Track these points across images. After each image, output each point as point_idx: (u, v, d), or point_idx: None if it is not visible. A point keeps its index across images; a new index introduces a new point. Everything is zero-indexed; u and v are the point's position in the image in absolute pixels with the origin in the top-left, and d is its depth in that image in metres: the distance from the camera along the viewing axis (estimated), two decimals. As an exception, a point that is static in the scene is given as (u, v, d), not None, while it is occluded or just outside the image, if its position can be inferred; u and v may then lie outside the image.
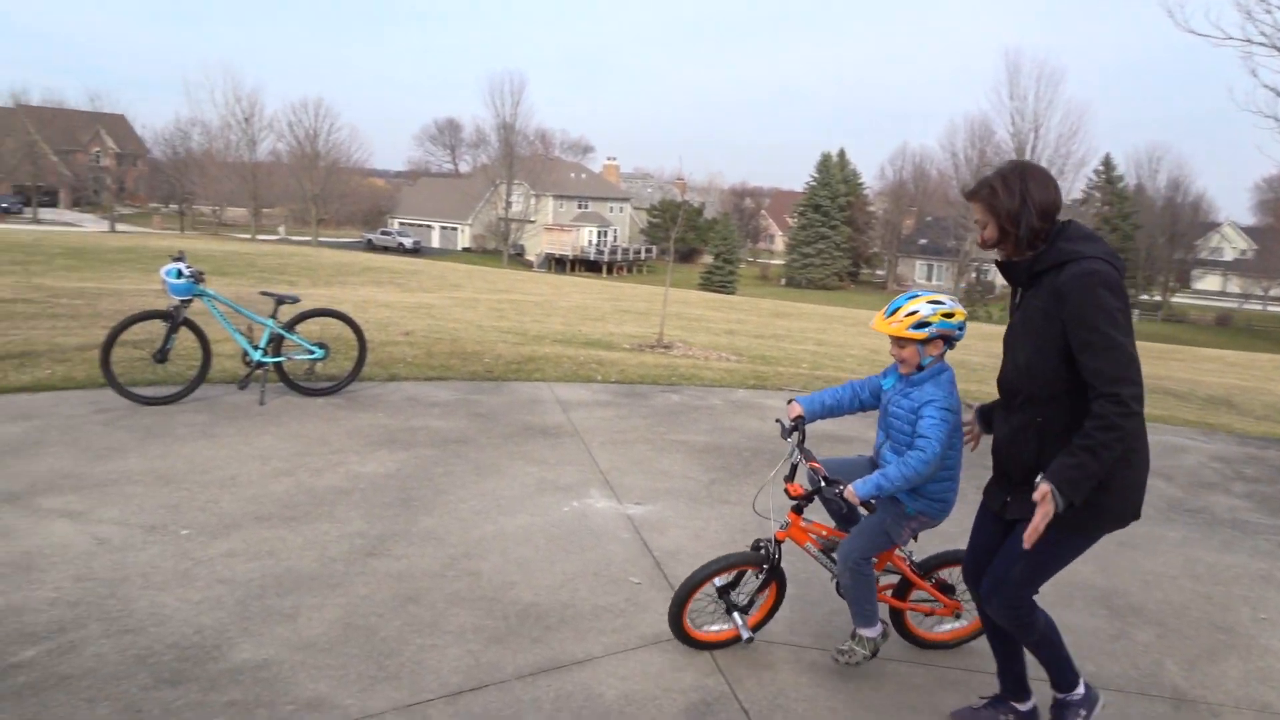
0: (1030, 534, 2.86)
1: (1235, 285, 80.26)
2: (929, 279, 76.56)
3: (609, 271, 71.43)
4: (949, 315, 3.35)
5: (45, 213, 70.43)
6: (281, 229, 77.10)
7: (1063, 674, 3.30)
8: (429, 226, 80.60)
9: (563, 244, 74.96)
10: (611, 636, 3.92)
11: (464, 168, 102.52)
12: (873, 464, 3.67)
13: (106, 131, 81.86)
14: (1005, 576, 3.11)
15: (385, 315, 15.49)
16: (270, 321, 7.34)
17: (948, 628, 4.04)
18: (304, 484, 5.44)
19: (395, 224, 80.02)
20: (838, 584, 3.70)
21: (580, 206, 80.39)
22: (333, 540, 4.66)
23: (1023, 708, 3.42)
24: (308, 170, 71.77)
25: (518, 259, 72.79)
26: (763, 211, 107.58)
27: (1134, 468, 2.94)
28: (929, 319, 3.32)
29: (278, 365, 7.40)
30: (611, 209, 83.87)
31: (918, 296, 3.38)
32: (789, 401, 3.68)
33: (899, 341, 3.38)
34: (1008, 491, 3.18)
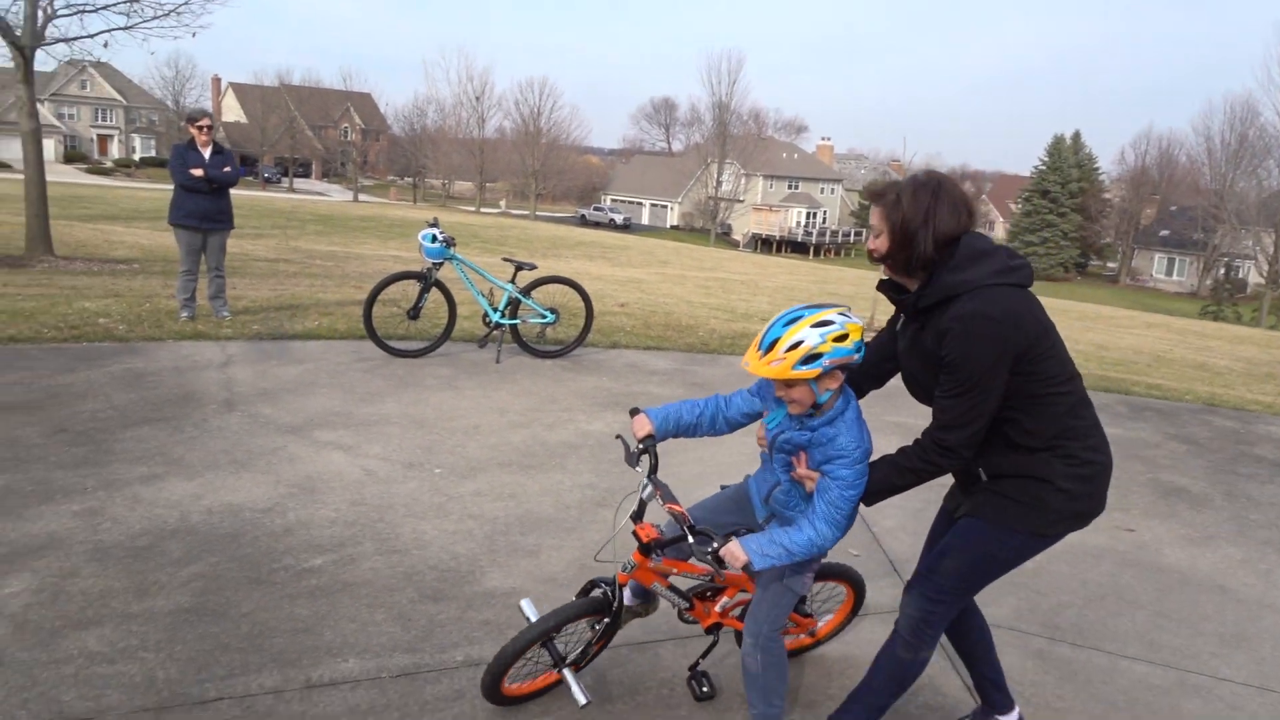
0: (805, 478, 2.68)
1: None
2: (1169, 274, 70.24)
3: (816, 254, 70.41)
4: (841, 338, 2.56)
5: (299, 183, 77.60)
6: (503, 203, 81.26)
7: (860, 713, 2.90)
8: (639, 204, 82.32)
9: (770, 224, 74.55)
10: (834, 604, 4.01)
11: (677, 146, 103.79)
12: (735, 501, 3.00)
13: (355, 109, 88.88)
14: (943, 562, 2.74)
15: (599, 287, 16.10)
16: (510, 286, 7.86)
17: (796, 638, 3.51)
18: (538, 437, 5.85)
19: (607, 200, 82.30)
20: (679, 613, 3.13)
21: (790, 187, 79.54)
22: (566, 489, 5.00)
23: (1007, 719, 3.10)
24: (530, 147, 75.09)
25: (724, 238, 73.09)
26: (984, 196, 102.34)
27: (1090, 465, 2.60)
28: (818, 350, 2.53)
29: (513, 327, 7.93)
30: (822, 190, 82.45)
31: (799, 320, 2.57)
32: (633, 413, 2.85)
33: (784, 380, 2.60)
34: (961, 493, 2.84)
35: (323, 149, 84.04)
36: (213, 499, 4.44)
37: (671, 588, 2.99)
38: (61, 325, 7.59)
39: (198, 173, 8.00)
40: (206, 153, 8.13)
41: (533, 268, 8.02)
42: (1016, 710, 3.15)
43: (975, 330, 2.42)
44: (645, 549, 2.78)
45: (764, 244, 72.59)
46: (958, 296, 2.47)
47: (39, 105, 13.20)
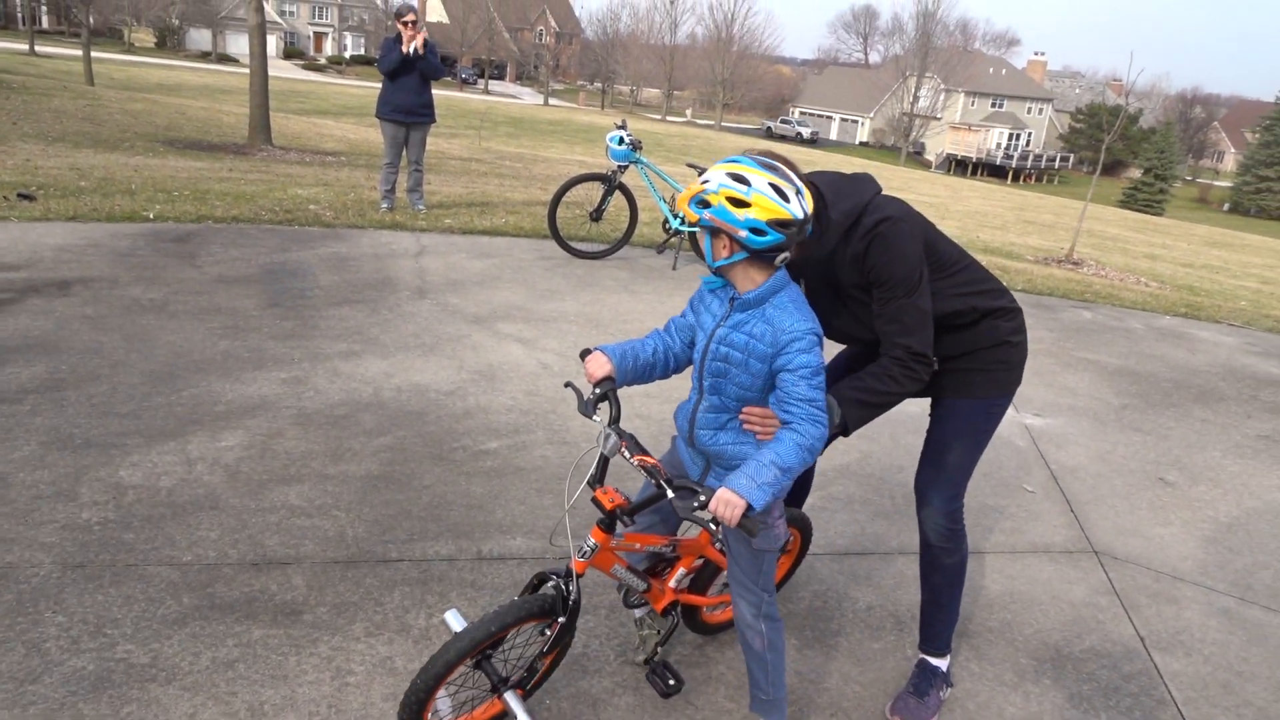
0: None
1: None
2: None
3: (1015, 179, 66.09)
4: (740, 205, 2.03)
5: (494, 85, 79.43)
6: (689, 111, 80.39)
7: (947, 629, 2.85)
8: (829, 118, 79.51)
9: (967, 145, 70.37)
10: (1000, 537, 3.88)
11: (874, 58, 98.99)
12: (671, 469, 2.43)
13: (550, 11, 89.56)
14: (946, 460, 2.70)
15: (783, 201, 15.77)
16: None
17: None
18: (710, 345, 5.87)
19: (796, 113, 79.95)
20: (626, 594, 2.64)
21: (994, 105, 74.50)
22: (734, 398, 5.02)
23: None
24: (720, 54, 73.58)
25: (915, 157, 69.70)
26: (1215, 124, 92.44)
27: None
28: (707, 197, 2.07)
29: (692, 235, 7.90)
30: (1029, 110, 76.80)
31: (736, 162, 2.11)
32: (584, 354, 2.32)
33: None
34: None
35: (518, 51, 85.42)
36: (402, 378, 4.74)
37: (631, 569, 2.46)
38: (277, 209, 8.19)
39: (409, 45, 8.24)
40: (411, 48, 8.43)
41: (716, 176, 7.93)
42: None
43: (889, 234, 2.42)
44: (609, 520, 2.23)
45: (959, 165, 68.72)
46: (855, 223, 2.46)
47: (264, 2, 14.02)
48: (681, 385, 2.86)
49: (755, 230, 2.04)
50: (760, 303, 2.16)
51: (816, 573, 3.42)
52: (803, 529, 3.07)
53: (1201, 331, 8.24)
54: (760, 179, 2.05)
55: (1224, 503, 4.48)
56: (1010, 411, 5.35)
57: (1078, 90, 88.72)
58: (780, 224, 2.04)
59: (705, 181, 2.09)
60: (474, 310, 6.00)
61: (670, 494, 2.09)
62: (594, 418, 2.23)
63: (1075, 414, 5.48)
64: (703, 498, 2.00)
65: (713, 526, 2.06)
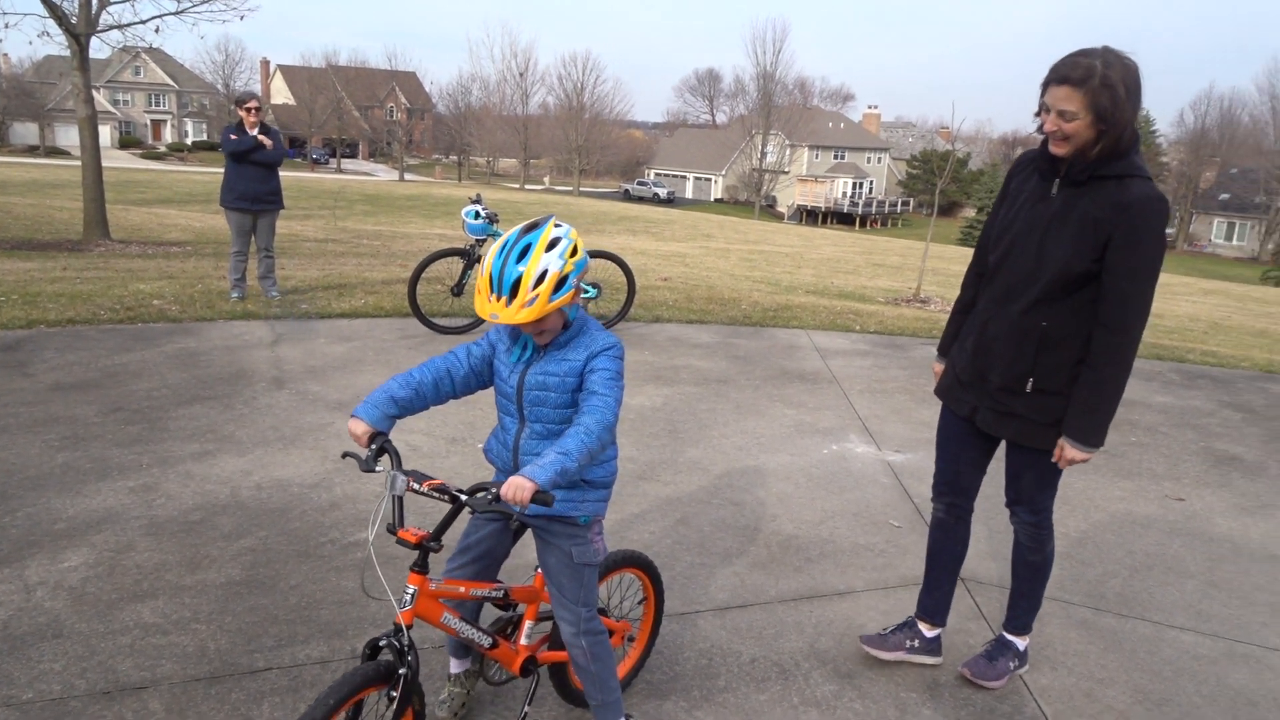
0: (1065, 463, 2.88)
1: None
2: (1228, 239, 68.04)
3: (863, 224, 69.46)
4: (574, 251, 2.32)
5: (347, 163, 78.41)
6: (546, 179, 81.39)
7: (1028, 614, 3.25)
8: (683, 177, 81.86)
9: (815, 195, 73.68)
10: (872, 573, 4.00)
11: (721, 119, 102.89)
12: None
13: (400, 88, 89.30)
14: (1018, 489, 3.07)
15: (642, 262, 16.10)
16: (549, 262, 7.89)
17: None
18: (580, 411, 5.89)
19: (651, 174, 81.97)
20: (482, 666, 2.79)
21: (836, 157, 78.45)
22: (607, 463, 5.04)
23: (930, 634, 3.31)
24: (573, 122, 74.96)
25: (769, 210, 72.42)
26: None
27: None
28: (564, 271, 2.27)
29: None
30: (869, 159, 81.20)
31: (530, 249, 2.28)
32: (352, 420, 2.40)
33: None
34: (980, 396, 3.02)
35: (369, 129, 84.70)
36: (262, 475, 4.55)
37: (465, 619, 2.48)
38: (118, 307, 7.80)
39: (253, 139, 8.09)
40: (254, 134, 8.26)
41: (573, 243, 8.03)
42: (941, 630, 3.35)
43: (1159, 212, 2.64)
44: (421, 558, 2.29)
45: (809, 215, 71.79)
46: (1135, 176, 2.66)
47: (94, 92, 13.49)
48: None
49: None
50: (573, 336, 2.41)
51: (700, 630, 3.44)
52: (651, 574, 2.99)
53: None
54: (549, 230, 2.36)
55: (1073, 519, 4.76)
56: (873, 450, 5.56)
57: (910, 139, 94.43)
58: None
59: (545, 273, 2.26)
60: (336, 396, 5.84)
61: (464, 499, 2.23)
62: (377, 469, 2.30)
63: (933, 447, 5.73)
64: (493, 490, 2.14)
65: (515, 510, 2.14)
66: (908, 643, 3.29)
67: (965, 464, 3.19)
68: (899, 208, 74.70)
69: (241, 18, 16.75)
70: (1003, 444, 3.10)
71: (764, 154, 71.45)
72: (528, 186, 72.10)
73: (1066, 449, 2.82)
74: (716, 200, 77.93)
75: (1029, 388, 2.85)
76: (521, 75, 78.68)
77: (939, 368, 3.34)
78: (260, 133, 8.28)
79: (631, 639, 3.05)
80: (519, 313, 2.23)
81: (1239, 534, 4.71)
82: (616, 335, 2.43)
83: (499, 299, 2.24)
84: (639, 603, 3.10)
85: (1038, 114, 2.67)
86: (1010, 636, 3.27)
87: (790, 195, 74.58)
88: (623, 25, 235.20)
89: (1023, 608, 3.24)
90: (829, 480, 5.03)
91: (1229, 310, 20.25)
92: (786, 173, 74.06)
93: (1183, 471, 5.60)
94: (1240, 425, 6.72)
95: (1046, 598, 3.86)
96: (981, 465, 3.20)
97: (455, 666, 2.80)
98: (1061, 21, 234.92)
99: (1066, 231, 2.72)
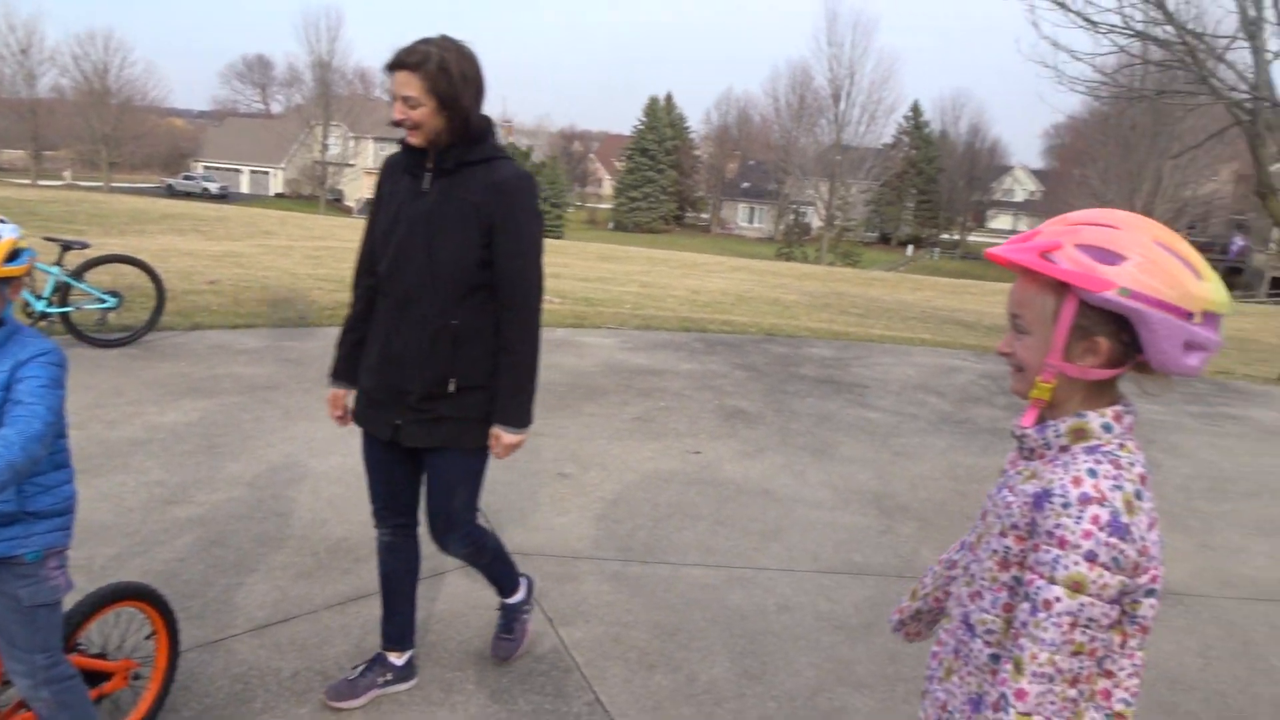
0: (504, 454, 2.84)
1: (1024, 224, 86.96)
2: (751, 222, 79.03)
3: (435, 217, 69.64)
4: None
5: None
6: (67, 173, 70.46)
7: (510, 580, 3.28)
8: (237, 171, 75.82)
9: (384, 189, 72.37)
10: (425, 564, 4.05)
11: (276, 108, 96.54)
12: None
13: None
14: (450, 510, 2.93)
15: (188, 265, 14.65)
16: (55, 269, 6.90)
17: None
18: (96, 436, 5.24)
19: (199, 168, 74.75)
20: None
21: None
22: (129, 491, 4.55)
23: (399, 661, 3.12)
24: (96, 108, 65.84)
25: (335, 204, 69.80)
26: (591, 155, 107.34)
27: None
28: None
29: (64, 316, 6.97)
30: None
31: None
32: None
33: None
34: (401, 412, 2.81)
35: None
36: None
37: None
38: None
39: None
40: None
41: (84, 246, 7.12)
42: (412, 650, 3.18)
43: (530, 189, 2.77)
44: None
45: (380, 209, 70.40)
46: (501, 159, 2.75)
47: None
48: None
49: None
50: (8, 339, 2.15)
51: (235, 655, 3.25)
52: (161, 608, 2.76)
53: (588, 338, 9.51)
54: None
55: (609, 483, 5.23)
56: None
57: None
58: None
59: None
60: None
61: None
62: None
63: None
64: None
65: None
66: (379, 680, 3.06)
67: (400, 484, 3.00)
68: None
69: None
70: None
71: (326, 146, 68.59)
72: (42, 182, 62.00)
73: (503, 436, 2.80)
74: (278, 195, 73.32)
75: (452, 388, 2.76)
76: (24, 52, 67.27)
77: (336, 394, 3.04)
78: None
79: (139, 677, 2.77)
80: None
81: (740, 476, 5.51)
82: (54, 341, 2.21)
83: None
84: (147, 637, 2.82)
85: (390, 103, 2.68)
86: (510, 600, 3.30)
87: (359, 188, 72.43)
88: (149, 4, 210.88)
89: (506, 578, 3.26)
90: (382, 477, 5.00)
91: (751, 284, 23.47)
92: (352, 165, 71.85)
93: (701, 428, 6.41)
94: (745, 382, 7.85)
95: (584, 558, 4.22)
96: (416, 479, 3.01)
97: None
98: (602, 28, 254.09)
99: (450, 223, 2.69)
